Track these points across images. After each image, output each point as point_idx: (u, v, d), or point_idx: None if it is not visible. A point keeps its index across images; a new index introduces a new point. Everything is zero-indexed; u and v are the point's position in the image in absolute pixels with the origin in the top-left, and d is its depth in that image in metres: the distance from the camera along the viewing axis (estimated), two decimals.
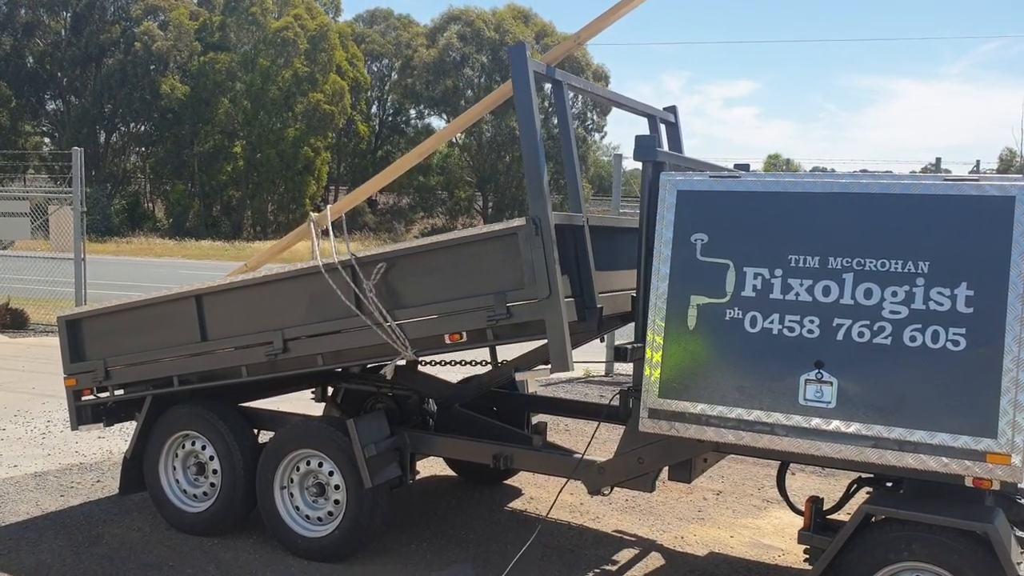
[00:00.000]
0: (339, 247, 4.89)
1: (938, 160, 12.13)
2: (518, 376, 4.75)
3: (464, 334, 4.51)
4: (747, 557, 5.30)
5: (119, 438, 7.52)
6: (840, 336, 3.82)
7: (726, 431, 4.02)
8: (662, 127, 5.96)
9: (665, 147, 5.58)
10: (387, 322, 4.63)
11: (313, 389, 6.45)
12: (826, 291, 3.87)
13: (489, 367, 5.64)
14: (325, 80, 47.84)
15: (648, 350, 4.14)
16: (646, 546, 5.43)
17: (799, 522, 4.38)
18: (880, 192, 3.81)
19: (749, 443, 4.00)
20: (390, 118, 58.34)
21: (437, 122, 54.32)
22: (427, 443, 5.23)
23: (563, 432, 7.78)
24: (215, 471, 5.42)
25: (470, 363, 5.69)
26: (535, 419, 6.01)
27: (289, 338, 4.94)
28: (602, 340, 10.02)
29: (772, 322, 3.95)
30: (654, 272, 4.15)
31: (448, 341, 4.56)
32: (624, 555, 5.28)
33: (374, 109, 58.07)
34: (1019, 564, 3.55)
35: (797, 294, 3.92)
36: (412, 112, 56.72)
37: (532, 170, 4.38)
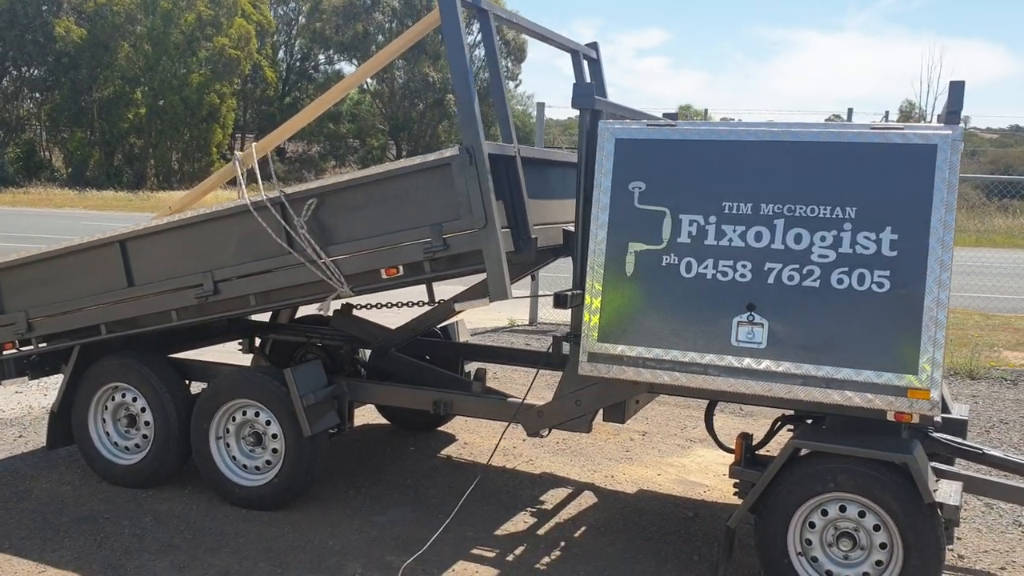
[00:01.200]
0: (266, 186, 4.82)
1: (850, 111, 12.52)
2: (457, 307, 4.75)
3: (401, 268, 4.49)
4: (674, 493, 5.51)
5: (38, 393, 7.32)
6: (771, 280, 3.97)
7: (661, 372, 4.15)
8: (584, 63, 6.00)
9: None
10: (321, 259, 4.59)
11: (240, 341, 6.38)
12: (758, 236, 4.00)
13: (426, 307, 5.64)
14: (230, 24, 46.27)
15: (587, 296, 4.23)
16: (579, 486, 5.59)
17: (722, 460, 4.56)
18: (810, 140, 3.94)
19: (683, 383, 4.13)
20: (298, 64, 56.85)
21: (348, 68, 53.19)
22: (365, 391, 5.24)
23: (493, 380, 7.84)
24: (147, 423, 5.34)
25: (407, 304, 5.69)
26: (474, 366, 6.08)
27: (219, 279, 4.85)
28: (533, 279, 10.06)
29: (706, 267, 4.07)
30: (593, 220, 4.22)
31: (385, 276, 4.54)
32: (559, 494, 5.43)
33: (281, 54, 56.50)
34: (935, 491, 3.79)
35: (730, 240, 4.04)
36: (321, 57, 55.42)
37: (463, 98, 4.33)
